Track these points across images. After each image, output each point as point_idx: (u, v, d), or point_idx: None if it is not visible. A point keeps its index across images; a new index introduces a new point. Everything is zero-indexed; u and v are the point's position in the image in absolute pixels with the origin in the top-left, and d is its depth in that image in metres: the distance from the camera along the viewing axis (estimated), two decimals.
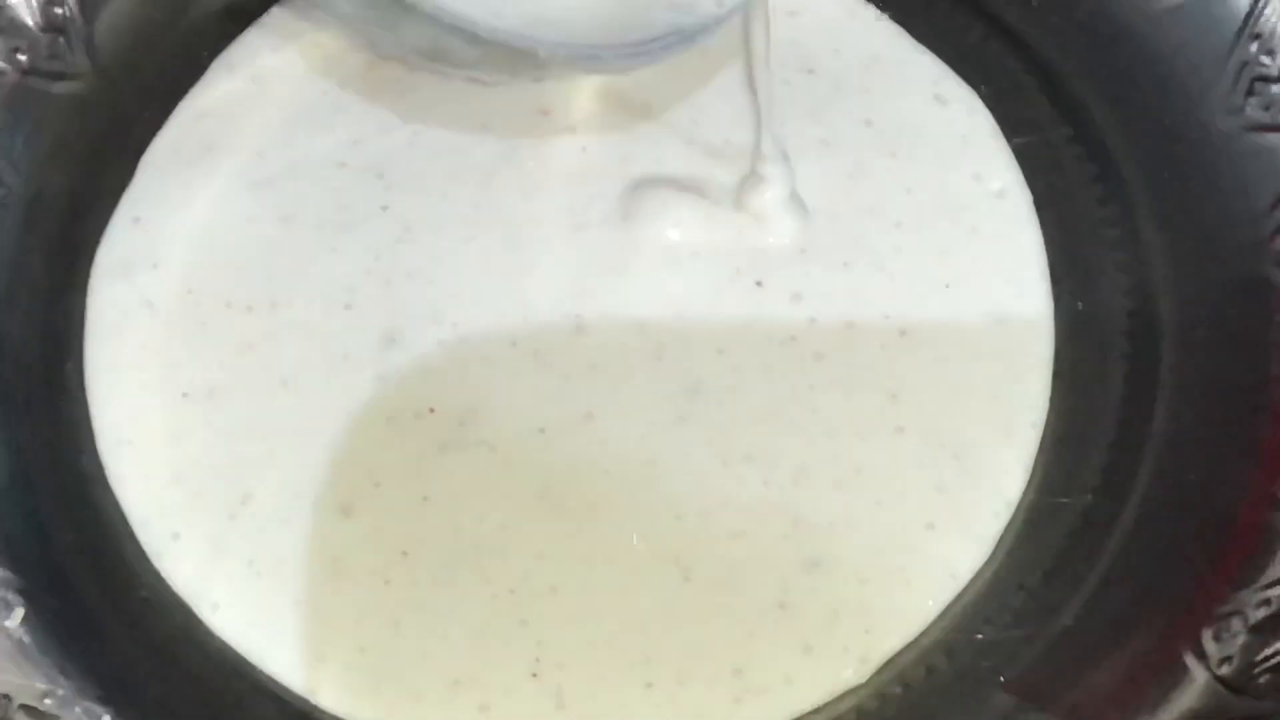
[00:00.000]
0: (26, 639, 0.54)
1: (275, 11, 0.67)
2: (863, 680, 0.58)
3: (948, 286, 0.63)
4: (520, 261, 0.64)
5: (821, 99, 0.67)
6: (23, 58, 0.60)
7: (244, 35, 0.66)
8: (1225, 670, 0.52)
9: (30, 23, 0.60)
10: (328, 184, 0.65)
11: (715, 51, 0.66)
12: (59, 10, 0.61)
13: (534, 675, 0.58)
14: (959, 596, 0.59)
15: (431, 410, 0.61)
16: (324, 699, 0.58)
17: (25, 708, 0.51)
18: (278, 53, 0.66)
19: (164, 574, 0.59)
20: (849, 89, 0.67)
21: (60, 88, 0.62)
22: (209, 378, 0.62)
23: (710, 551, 0.59)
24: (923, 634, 0.58)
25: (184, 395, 0.61)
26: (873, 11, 0.68)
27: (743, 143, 0.65)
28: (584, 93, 0.67)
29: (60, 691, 0.53)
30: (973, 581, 0.59)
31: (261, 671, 0.58)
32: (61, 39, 0.61)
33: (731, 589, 0.59)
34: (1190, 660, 0.53)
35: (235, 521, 0.60)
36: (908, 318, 0.63)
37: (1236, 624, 0.52)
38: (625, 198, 0.65)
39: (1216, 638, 0.53)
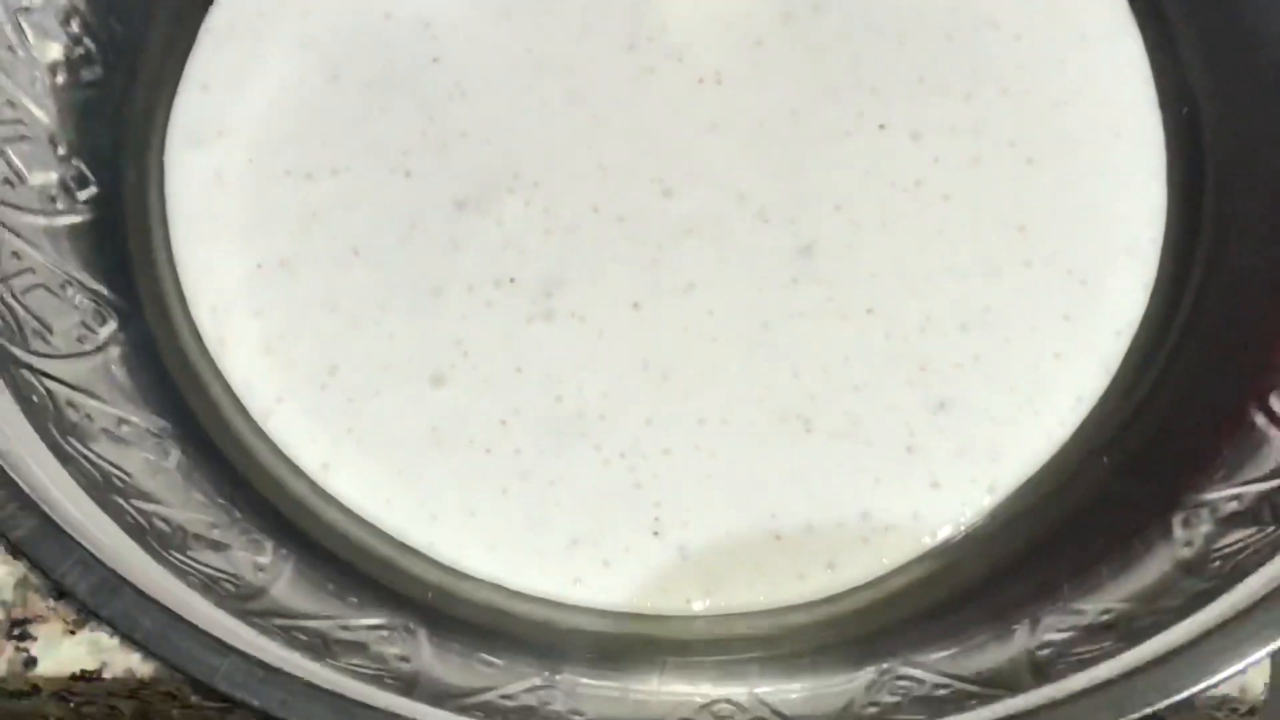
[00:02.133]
0: (189, 477, 0.55)
1: None
2: (991, 508, 0.57)
3: (1066, 103, 0.62)
4: (586, 115, 0.62)
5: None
6: None
7: None
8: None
9: None
10: (374, 38, 0.63)
11: None
12: None
13: (655, 534, 0.56)
14: (1086, 419, 0.58)
15: (512, 280, 0.59)
16: (442, 553, 0.56)
17: (197, 537, 0.53)
18: None
19: (270, 435, 0.58)
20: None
21: None
22: (279, 249, 0.60)
23: (832, 404, 0.58)
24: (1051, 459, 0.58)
25: (258, 266, 0.60)
26: None
27: None
28: None
29: (223, 522, 0.54)
30: (1100, 402, 0.59)
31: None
32: None
33: (856, 438, 0.58)
34: (1261, 420, 0.54)
35: (327, 392, 0.58)
36: (1034, 143, 0.61)
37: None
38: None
39: None
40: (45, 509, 0.48)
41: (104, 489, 0.51)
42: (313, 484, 0.57)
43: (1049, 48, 0.63)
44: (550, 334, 0.59)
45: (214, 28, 0.63)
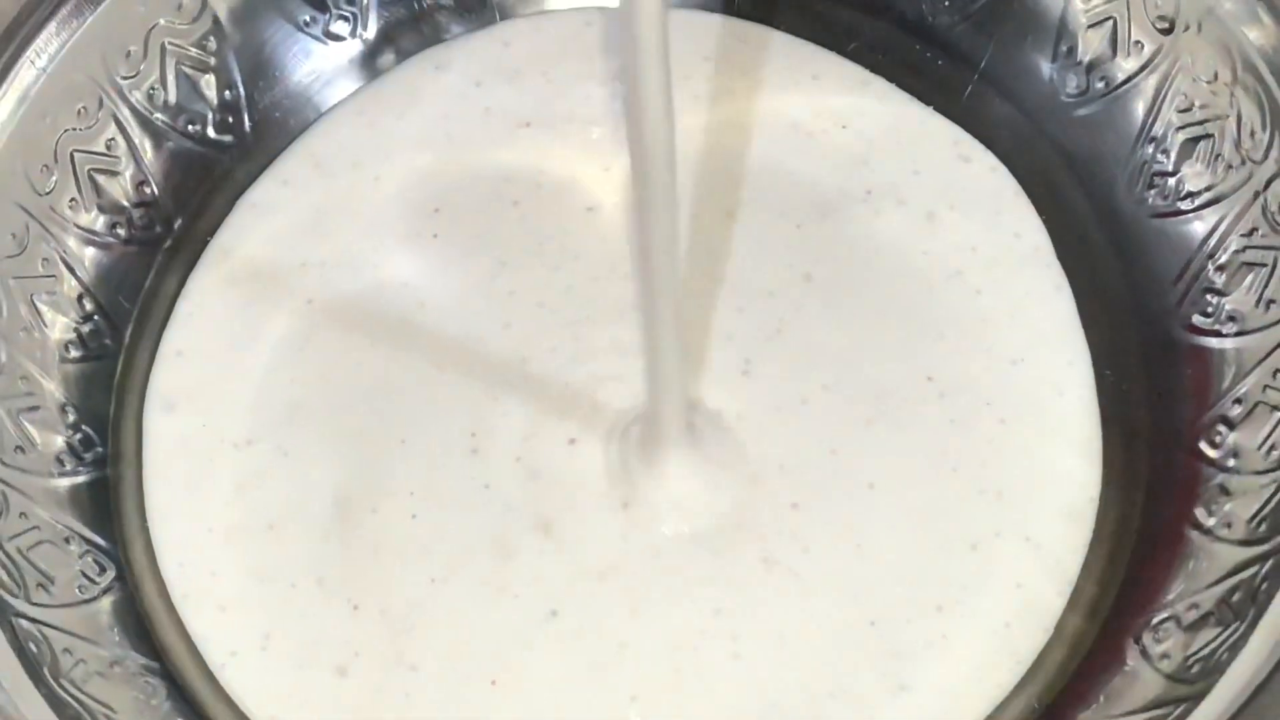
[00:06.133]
0: (171, 715, 0.62)
1: (279, 163, 0.73)
2: None
3: (1020, 361, 0.68)
4: None
5: (861, 154, 0.72)
6: (121, 231, 0.70)
7: (260, 178, 0.73)
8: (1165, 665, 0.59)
9: (125, 203, 0.70)
10: (302, 308, 0.70)
11: None
12: (147, 190, 0.70)
13: None
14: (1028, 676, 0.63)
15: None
16: None
17: None
18: (287, 185, 0.72)
19: (224, 686, 0.64)
20: (884, 147, 0.72)
21: (145, 251, 0.70)
22: (219, 515, 0.67)
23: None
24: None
25: (209, 530, 0.66)
26: (883, 82, 0.74)
27: None
28: None
29: None
30: (1035, 662, 0.63)
31: None
32: (147, 211, 0.70)
33: None
34: (1135, 658, 0.60)
35: (266, 654, 0.64)
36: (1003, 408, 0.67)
37: (1171, 625, 0.60)
38: None
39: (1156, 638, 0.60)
40: None
41: None
42: None
43: (1007, 302, 0.69)
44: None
45: (189, 295, 0.70)
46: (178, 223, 0.71)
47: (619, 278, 0.70)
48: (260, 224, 0.72)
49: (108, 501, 0.66)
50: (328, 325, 0.70)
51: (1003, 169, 0.72)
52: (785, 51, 0.74)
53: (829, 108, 0.73)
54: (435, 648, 0.63)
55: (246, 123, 0.73)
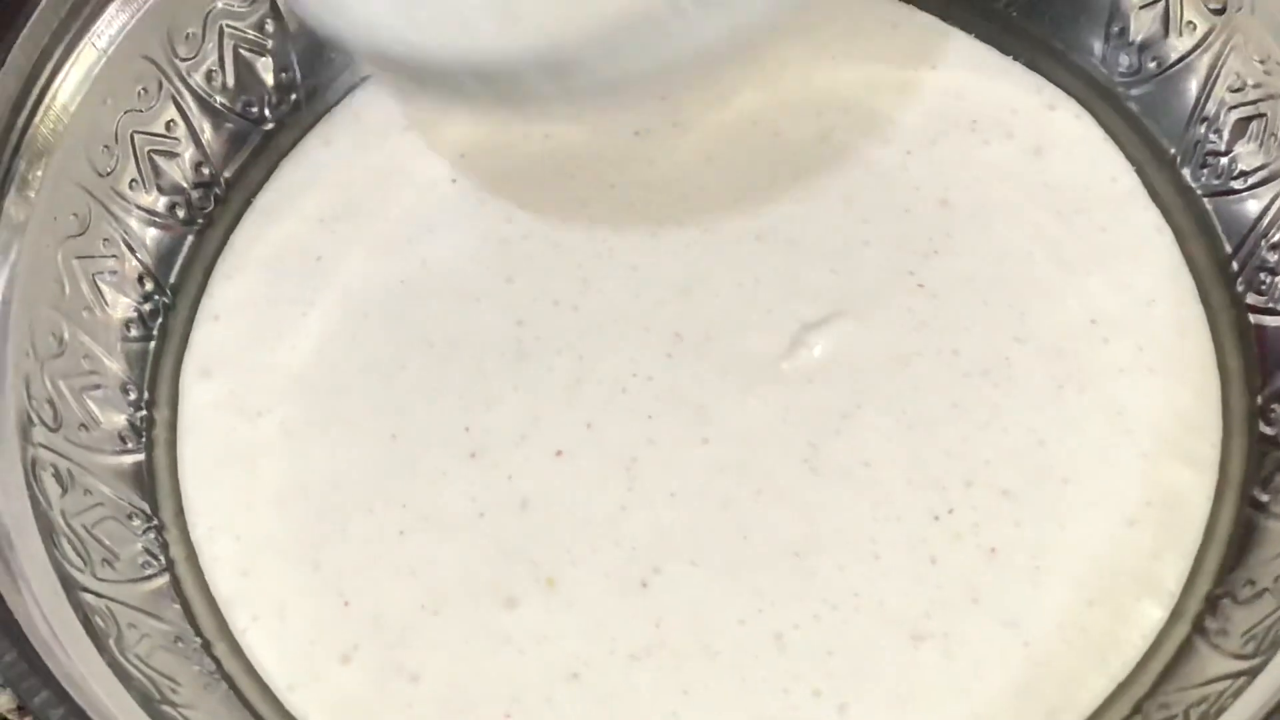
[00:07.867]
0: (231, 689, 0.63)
1: (324, 123, 0.73)
2: None
3: (1154, 302, 0.67)
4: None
5: (955, 90, 0.72)
6: (181, 212, 0.70)
7: (305, 138, 0.73)
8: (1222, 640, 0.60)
9: (185, 184, 0.71)
10: (321, 272, 0.70)
11: None
12: (206, 170, 0.71)
13: None
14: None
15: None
16: None
17: None
18: (329, 145, 0.73)
19: (245, 650, 0.64)
20: (976, 87, 0.72)
21: (199, 227, 0.71)
22: (241, 482, 0.67)
23: None
24: None
25: (234, 497, 0.66)
26: (960, 32, 0.73)
27: None
28: None
29: None
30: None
31: None
32: (206, 192, 0.71)
33: None
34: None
35: (285, 622, 0.64)
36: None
37: (1228, 602, 0.61)
38: None
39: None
40: None
41: (158, 700, 0.58)
42: (277, 702, 0.63)
43: (1126, 233, 0.69)
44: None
45: (227, 258, 0.71)
46: (234, 202, 0.72)
47: (672, 196, 0.69)
48: (299, 185, 0.72)
49: (169, 479, 0.67)
50: (339, 292, 0.70)
51: (1088, 116, 0.71)
52: (860, 3, 0.74)
53: (915, 51, 0.72)
54: (437, 667, 0.63)
55: (303, 105, 0.73)
